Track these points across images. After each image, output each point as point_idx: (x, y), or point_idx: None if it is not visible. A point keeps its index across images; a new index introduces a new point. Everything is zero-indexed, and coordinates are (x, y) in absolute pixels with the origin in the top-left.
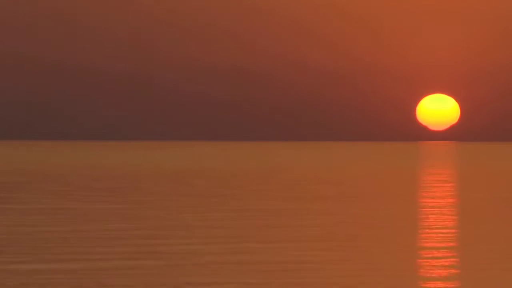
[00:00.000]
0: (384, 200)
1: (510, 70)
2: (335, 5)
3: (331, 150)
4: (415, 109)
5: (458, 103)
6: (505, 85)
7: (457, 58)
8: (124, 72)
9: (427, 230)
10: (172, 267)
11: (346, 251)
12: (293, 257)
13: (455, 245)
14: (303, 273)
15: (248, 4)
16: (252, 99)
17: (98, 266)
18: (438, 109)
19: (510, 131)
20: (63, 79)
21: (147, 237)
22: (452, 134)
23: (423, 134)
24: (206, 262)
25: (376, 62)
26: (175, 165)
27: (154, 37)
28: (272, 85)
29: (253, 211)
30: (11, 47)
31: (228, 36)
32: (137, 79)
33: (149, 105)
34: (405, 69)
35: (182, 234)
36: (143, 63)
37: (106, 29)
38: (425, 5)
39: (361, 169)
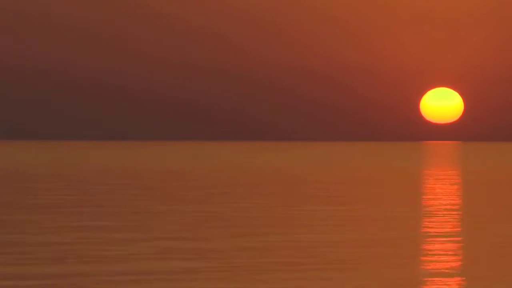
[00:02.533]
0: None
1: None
2: None
3: (335, 149)
4: (419, 103)
5: (461, 96)
6: (507, 75)
7: (458, 51)
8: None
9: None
10: None
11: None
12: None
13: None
14: None
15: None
16: (256, 101)
17: None
18: (442, 103)
19: None
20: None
21: None
22: (457, 127)
23: (427, 128)
24: None
25: (384, 56)
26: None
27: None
28: (275, 86)
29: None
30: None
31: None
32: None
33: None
34: (407, 63)
35: None
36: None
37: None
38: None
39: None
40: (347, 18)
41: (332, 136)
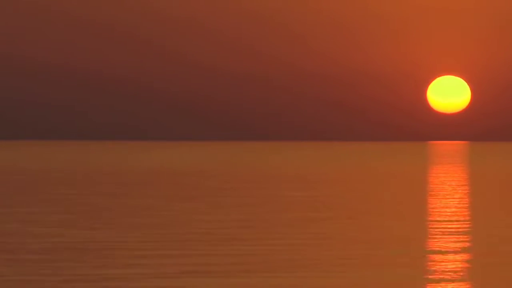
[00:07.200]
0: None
1: None
2: None
3: (337, 149)
4: (426, 92)
5: (468, 83)
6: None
7: (459, 42)
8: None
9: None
10: None
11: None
12: None
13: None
14: None
15: (247, 9)
16: (263, 101)
17: None
18: (448, 90)
19: None
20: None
21: None
22: (464, 117)
23: (435, 120)
24: None
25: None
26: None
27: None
28: (280, 87)
29: None
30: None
31: (230, 41)
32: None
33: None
34: (411, 56)
35: None
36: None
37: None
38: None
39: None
40: (349, 19)
41: (331, 136)
